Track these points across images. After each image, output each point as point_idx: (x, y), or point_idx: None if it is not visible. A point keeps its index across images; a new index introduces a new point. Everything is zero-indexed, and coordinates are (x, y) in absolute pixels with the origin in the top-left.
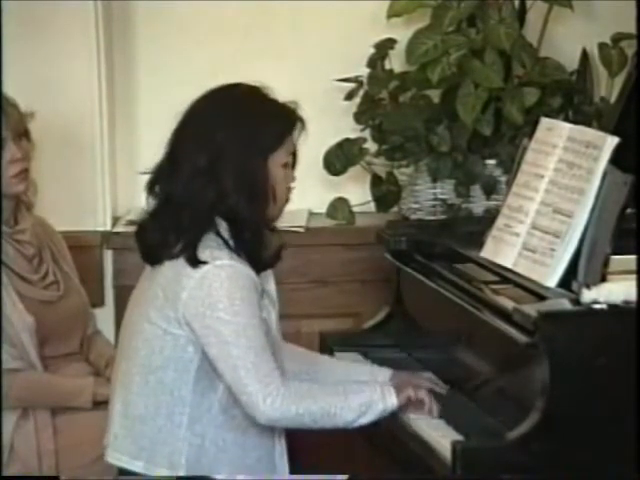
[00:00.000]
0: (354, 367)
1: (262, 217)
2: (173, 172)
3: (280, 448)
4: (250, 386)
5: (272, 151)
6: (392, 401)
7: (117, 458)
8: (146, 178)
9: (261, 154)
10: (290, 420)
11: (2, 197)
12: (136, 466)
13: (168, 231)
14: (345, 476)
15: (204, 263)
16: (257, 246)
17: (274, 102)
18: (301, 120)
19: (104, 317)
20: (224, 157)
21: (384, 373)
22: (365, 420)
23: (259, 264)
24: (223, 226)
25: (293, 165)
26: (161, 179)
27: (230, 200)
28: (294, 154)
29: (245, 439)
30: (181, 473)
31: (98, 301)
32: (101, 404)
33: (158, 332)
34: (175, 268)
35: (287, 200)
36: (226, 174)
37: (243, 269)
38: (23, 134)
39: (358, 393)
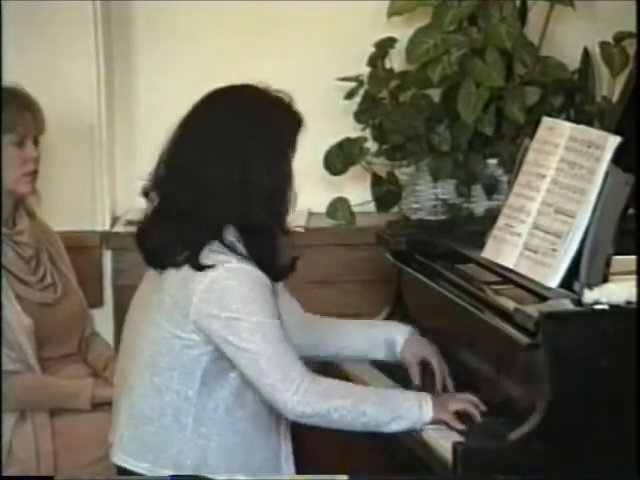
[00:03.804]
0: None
1: (283, 223)
2: (188, 180)
3: (286, 450)
4: (272, 379)
5: (290, 148)
6: (428, 413)
7: (122, 459)
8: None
9: (284, 154)
10: (318, 416)
11: (2, 198)
12: (141, 468)
13: (171, 238)
14: (345, 476)
15: (210, 267)
16: (273, 255)
17: (281, 101)
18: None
19: (103, 317)
20: (252, 167)
21: (402, 330)
22: (397, 427)
23: (273, 274)
24: (231, 232)
25: None
26: (168, 185)
27: (255, 213)
28: None
29: (251, 441)
30: (188, 473)
31: (97, 301)
32: (100, 405)
33: (165, 335)
34: (181, 274)
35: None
36: (258, 185)
37: (253, 270)
38: (38, 139)
39: (392, 395)
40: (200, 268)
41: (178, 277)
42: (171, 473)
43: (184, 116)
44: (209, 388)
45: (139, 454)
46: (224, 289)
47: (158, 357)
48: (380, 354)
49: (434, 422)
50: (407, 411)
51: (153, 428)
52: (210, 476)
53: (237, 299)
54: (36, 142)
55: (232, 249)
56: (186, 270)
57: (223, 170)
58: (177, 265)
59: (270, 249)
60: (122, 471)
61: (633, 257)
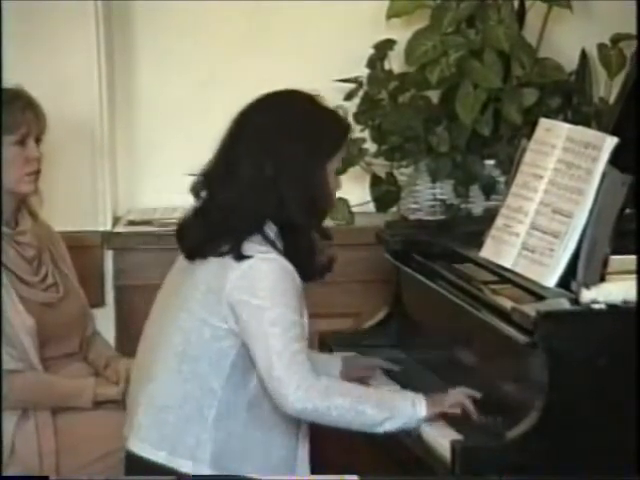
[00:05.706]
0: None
1: (319, 226)
2: (229, 178)
3: (302, 453)
4: (279, 372)
5: (330, 158)
6: (421, 411)
7: (139, 447)
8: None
9: (322, 162)
10: (317, 413)
11: (2, 199)
12: (159, 456)
13: (215, 231)
14: (355, 476)
15: (248, 257)
16: (310, 254)
17: (329, 110)
18: (350, 126)
19: (105, 317)
20: (288, 167)
21: (336, 362)
22: (391, 425)
23: (309, 273)
24: (272, 229)
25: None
26: (212, 183)
27: (290, 210)
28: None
29: (269, 438)
30: (204, 467)
31: (98, 301)
32: (101, 404)
33: (196, 322)
34: (220, 262)
35: (334, 205)
36: (289, 185)
37: (288, 265)
38: (40, 138)
39: (389, 395)
40: (240, 257)
41: (216, 265)
42: (189, 464)
43: (234, 117)
44: (234, 384)
45: (156, 442)
46: (257, 277)
47: (187, 345)
48: None
49: (430, 419)
50: (401, 410)
51: (172, 417)
52: (218, 474)
53: (267, 288)
54: (38, 141)
55: (272, 244)
56: (226, 259)
57: (257, 168)
58: (220, 254)
59: (305, 248)
60: (136, 459)
61: (630, 257)
